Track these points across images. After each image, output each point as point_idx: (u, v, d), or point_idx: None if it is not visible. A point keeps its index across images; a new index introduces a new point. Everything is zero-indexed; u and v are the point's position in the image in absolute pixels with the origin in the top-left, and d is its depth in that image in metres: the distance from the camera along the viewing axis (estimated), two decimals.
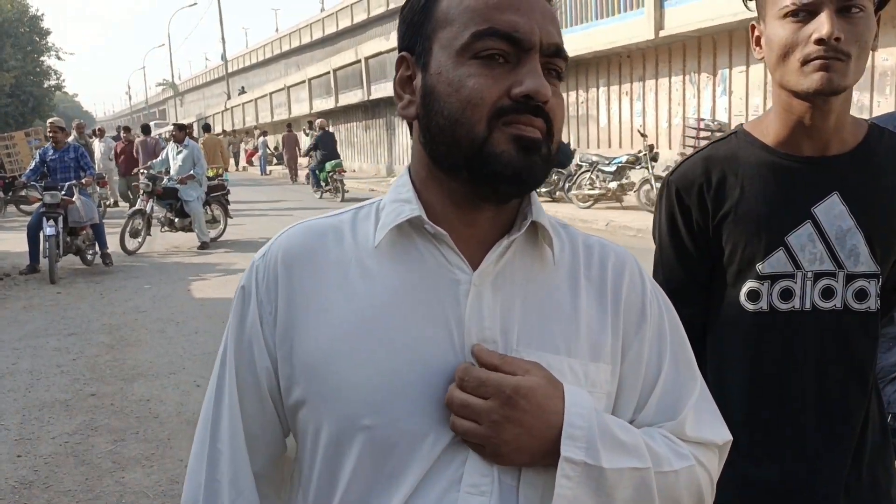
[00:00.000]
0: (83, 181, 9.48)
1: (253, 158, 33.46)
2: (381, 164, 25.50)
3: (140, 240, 11.13)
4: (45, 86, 49.58)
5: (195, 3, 56.77)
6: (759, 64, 12.33)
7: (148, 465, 4.00)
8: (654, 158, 12.59)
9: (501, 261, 0.93)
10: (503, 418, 0.84)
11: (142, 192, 11.62)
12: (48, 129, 9.79)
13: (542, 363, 0.89)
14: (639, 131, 13.32)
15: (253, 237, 12.48)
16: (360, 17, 46.19)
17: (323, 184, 19.18)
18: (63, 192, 9.15)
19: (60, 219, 9.02)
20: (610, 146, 15.28)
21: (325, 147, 19.19)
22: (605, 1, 14.27)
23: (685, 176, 1.41)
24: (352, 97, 26.25)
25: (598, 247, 1.01)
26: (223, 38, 46.07)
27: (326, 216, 1.01)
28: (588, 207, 13.31)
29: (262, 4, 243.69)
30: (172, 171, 11.47)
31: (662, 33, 12.76)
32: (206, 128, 23.96)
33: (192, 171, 11.32)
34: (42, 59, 48.62)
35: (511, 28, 0.85)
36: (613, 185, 13.05)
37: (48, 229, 8.88)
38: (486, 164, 0.86)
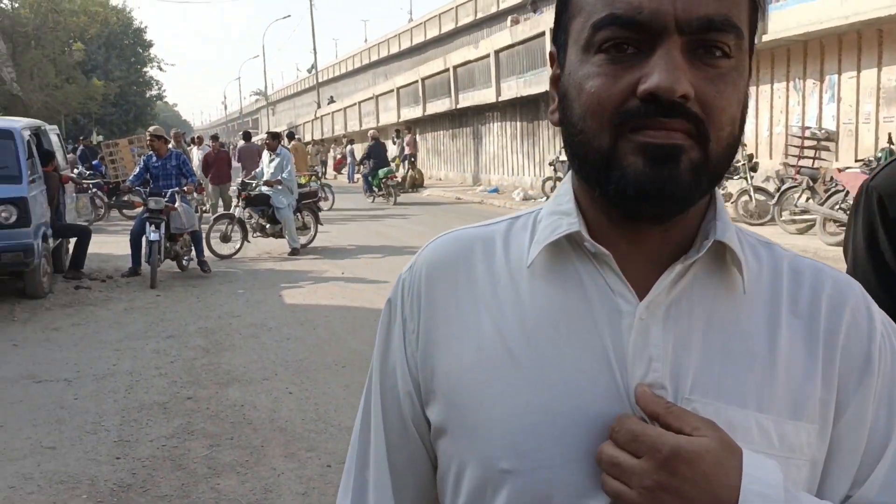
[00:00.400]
0: (185, 188, 9.67)
1: (341, 166, 34.02)
2: (468, 172, 25.48)
3: (236, 245, 11.37)
4: (147, 95, 51.87)
5: (289, 16, 58.36)
6: (871, 69, 11.69)
7: (242, 473, 3.99)
8: (754, 168, 12.09)
9: (675, 289, 0.77)
10: (657, 485, 0.68)
11: (235, 197, 11.86)
12: (147, 138, 10.08)
13: (722, 418, 0.72)
14: None
15: (342, 244, 12.61)
16: (448, 26, 46.51)
17: (375, 189, 20.95)
18: (166, 199, 9.35)
19: (162, 225, 9.21)
20: None
21: (377, 156, 21.09)
22: None
23: (892, 181, 1.20)
24: (439, 106, 26.34)
25: (811, 272, 0.82)
26: (314, 49, 47.17)
27: (480, 225, 0.89)
28: None
29: (353, 16, 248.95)
30: (266, 178, 11.72)
31: (765, 38, 12.24)
32: (290, 135, 24.48)
33: (280, 177, 11.51)
34: (145, 69, 50.85)
35: (632, 9, 0.69)
36: None
37: (152, 235, 9.07)
38: (612, 181, 0.72)
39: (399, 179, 25.12)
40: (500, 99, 21.33)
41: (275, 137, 12.42)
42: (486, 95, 22.27)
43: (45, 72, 31.85)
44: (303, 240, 12.10)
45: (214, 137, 19.26)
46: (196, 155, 18.56)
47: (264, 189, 12.13)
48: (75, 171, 17.84)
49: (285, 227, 11.59)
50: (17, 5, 33.25)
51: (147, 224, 9.20)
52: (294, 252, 11.54)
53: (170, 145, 15.40)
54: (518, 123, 21.60)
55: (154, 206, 9.26)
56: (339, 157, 34.92)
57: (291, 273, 10.08)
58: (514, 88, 20.45)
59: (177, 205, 9.48)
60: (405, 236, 13.48)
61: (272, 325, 7.28)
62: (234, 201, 12.62)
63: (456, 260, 0.85)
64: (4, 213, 7.75)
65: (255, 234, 11.84)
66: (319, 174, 32.87)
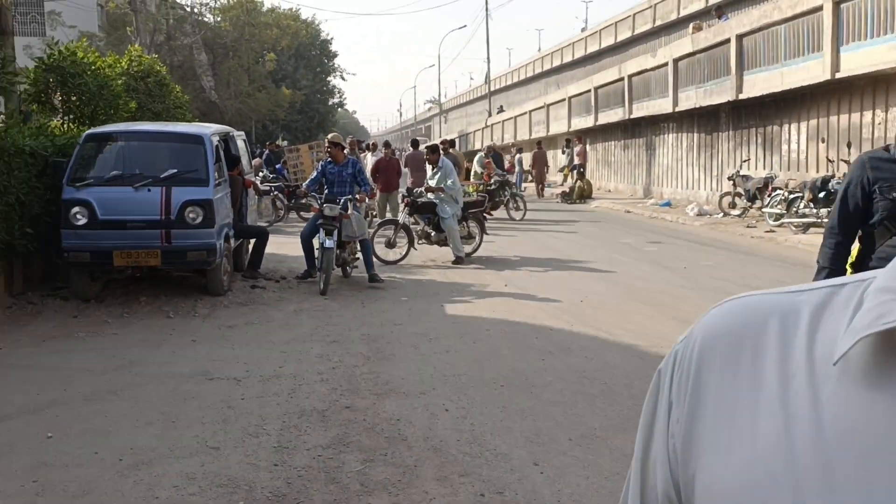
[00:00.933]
0: (358, 196, 9.80)
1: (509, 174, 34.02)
2: (639, 184, 24.64)
3: (402, 251, 11.54)
4: (330, 103, 54.53)
5: (464, 26, 59.37)
6: None
7: (394, 493, 3.89)
8: None
9: None
10: None
11: (401, 204, 12.07)
12: (326, 145, 10.36)
13: None
14: None
15: (507, 254, 12.46)
16: (625, 34, 45.49)
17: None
18: (339, 206, 9.42)
19: (335, 232, 9.24)
20: None
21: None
22: None
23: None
24: (611, 115, 25.67)
25: None
26: (488, 59, 47.57)
27: (785, 291, 0.66)
28: None
29: (527, 25, 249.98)
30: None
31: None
32: (451, 143, 24.85)
33: (444, 185, 11.55)
34: (329, 79, 53.49)
35: None
36: None
37: (327, 242, 9.05)
38: None
39: (567, 189, 24.76)
40: (677, 109, 20.42)
41: (434, 151, 12.50)
42: (661, 105, 21.42)
43: (240, 81, 34.23)
44: (467, 249, 12.08)
45: (387, 144, 19.78)
46: (370, 161, 19.14)
47: (430, 196, 12.25)
48: (260, 174, 18.98)
49: (449, 236, 11.62)
50: (219, 19, 36.01)
51: (321, 231, 9.29)
52: (458, 261, 11.54)
53: (345, 152, 16.07)
54: (695, 135, 20.59)
55: (328, 213, 9.38)
56: (507, 165, 34.96)
57: (455, 283, 10.05)
58: (693, 98, 19.50)
59: (349, 212, 9.63)
60: (572, 249, 13.14)
61: (432, 336, 7.23)
62: (401, 207, 12.83)
63: (741, 337, 0.64)
64: (192, 214, 8.23)
65: (420, 242, 11.96)
66: (510, 182, 33.20)
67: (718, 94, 18.12)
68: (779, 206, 14.76)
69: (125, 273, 8.77)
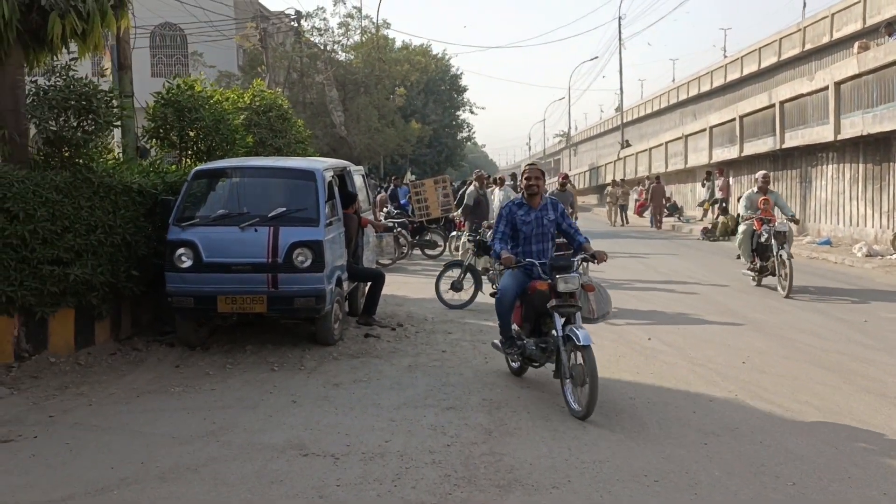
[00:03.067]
0: (585, 257, 6.59)
1: (643, 209, 32.28)
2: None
3: (468, 294, 10.50)
4: (458, 137, 54.45)
5: (595, 58, 58.08)
6: None
7: None
8: None
9: None
10: None
11: (469, 245, 11.14)
12: (522, 181, 6.78)
13: None
14: None
15: (640, 300, 11.10)
16: (770, 60, 42.79)
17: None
18: (576, 274, 6.27)
19: (574, 314, 6.20)
20: None
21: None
22: None
23: None
24: (760, 146, 23.64)
25: None
26: (621, 89, 46.06)
27: None
28: None
29: (660, 55, 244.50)
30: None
31: None
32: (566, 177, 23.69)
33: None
34: (458, 113, 53.47)
35: None
36: None
37: (579, 335, 5.89)
38: None
39: (709, 226, 22.91)
40: (839, 137, 18.35)
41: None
42: (820, 133, 19.37)
43: (370, 116, 34.44)
44: None
45: (513, 176, 18.88)
46: (498, 195, 18.20)
47: None
48: (384, 209, 18.51)
49: None
50: (351, 57, 36.56)
51: (556, 316, 6.08)
52: None
53: (471, 188, 15.22)
54: (860, 165, 18.41)
55: (566, 289, 6.04)
56: (641, 199, 33.20)
57: (591, 333, 8.85)
58: (860, 125, 17.42)
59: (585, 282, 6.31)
60: (719, 295, 11.63)
61: (564, 404, 6.11)
62: (468, 247, 11.78)
63: None
64: (300, 257, 7.53)
65: (495, 286, 10.75)
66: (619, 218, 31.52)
67: (891, 119, 16.02)
68: None
69: (231, 319, 8.18)
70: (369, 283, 9.30)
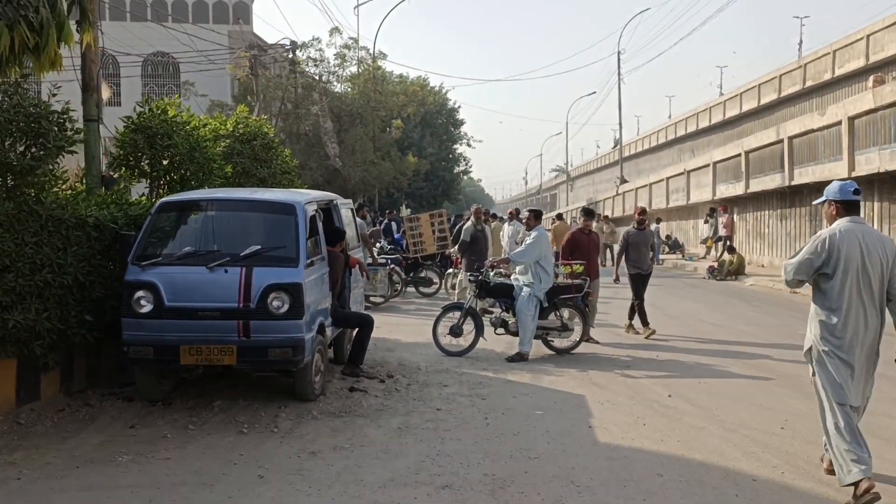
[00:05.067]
0: None
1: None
2: None
3: (467, 342, 9.59)
4: (455, 171, 53.83)
5: (594, 93, 57.82)
6: None
7: None
8: None
9: None
10: None
11: (469, 287, 10.27)
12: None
13: None
14: None
15: (650, 348, 10.17)
16: (769, 97, 42.38)
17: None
18: None
19: None
20: None
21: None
22: None
23: None
24: (767, 182, 22.89)
25: None
26: (620, 124, 45.54)
27: None
28: None
29: (657, 92, 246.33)
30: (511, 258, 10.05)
31: None
32: (559, 216, 22.65)
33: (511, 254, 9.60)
34: (455, 146, 52.94)
35: None
36: None
37: None
38: None
39: (715, 264, 22.06)
40: (854, 174, 17.58)
41: (538, 217, 10.51)
42: (832, 170, 18.60)
43: (365, 148, 33.72)
44: (564, 343, 9.83)
45: (517, 212, 18.06)
46: (507, 230, 17.30)
47: (503, 272, 10.32)
48: (378, 244, 17.60)
49: (519, 321, 9.51)
50: (347, 88, 35.96)
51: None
52: (516, 358, 9.32)
53: (469, 222, 14.36)
54: (875, 203, 17.62)
55: None
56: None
57: (601, 390, 7.93)
58: (876, 161, 16.66)
59: None
60: (736, 341, 10.72)
61: (582, 483, 5.16)
62: (465, 286, 10.93)
63: None
64: (276, 302, 6.61)
65: (497, 331, 9.82)
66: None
67: None
68: None
69: (198, 371, 7.22)
70: (356, 329, 8.37)
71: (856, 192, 5.09)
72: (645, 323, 11.29)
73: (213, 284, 6.59)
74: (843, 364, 4.92)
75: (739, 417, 6.78)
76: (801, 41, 74.13)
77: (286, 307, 6.61)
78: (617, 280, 11.92)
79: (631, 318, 11.57)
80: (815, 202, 6.09)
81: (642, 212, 12.18)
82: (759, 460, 5.62)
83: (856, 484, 4.62)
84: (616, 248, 21.66)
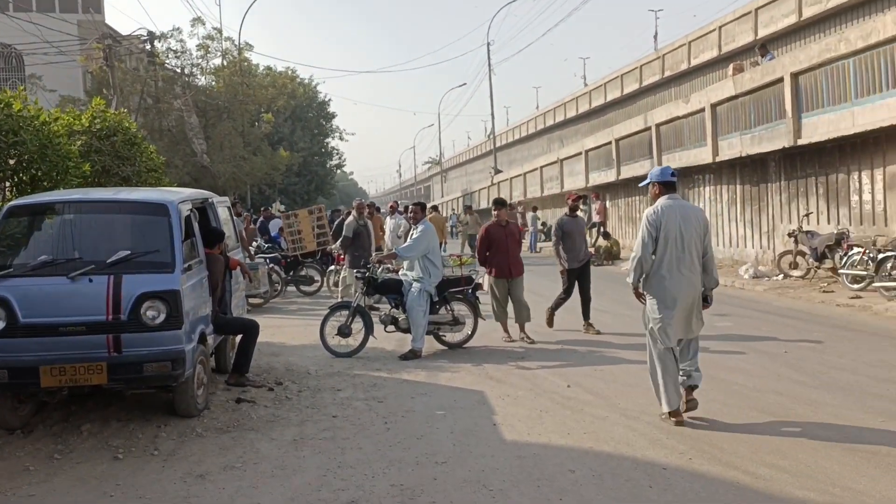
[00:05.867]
0: None
1: (521, 235, 31.90)
2: None
3: (358, 340, 9.26)
4: (328, 165, 52.86)
5: (464, 84, 58.32)
6: None
7: None
8: None
9: None
10: None
11: (356, 282, 9.98)
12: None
13: None
14: None
15: (545, 339, 10.14)
16: (632, 86, 44.04)
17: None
18: None
19: None
20: None
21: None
22: None
23: None
24: (637, 169, 23.67)
25: None
26: (492, 114, 46.09)
27: None
28: None
29: (523, 83, 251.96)
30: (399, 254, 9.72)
31: None
32: (434, 208, 22.50)
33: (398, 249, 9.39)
34: (327, 140, 51.98)
35: None
36: None
37: None
38: None
39: (592, 251, 22.60)
40: (719, 159, 18.39)
41: (423, 208, 10.23)
42: (697, 155, 19.41)
43: (234, 144, 32.39)
44: (456, 337, 9.66)
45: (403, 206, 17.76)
46: (389, 224, 16.91)
47: (390, 268, 10.02)
48: (254, 243, 16.84)
49: (410, 318, 9.23)
50: (212, 81, 34.40)
51: None
52: (409, 356, 9.05)
53: (350, 217, 13.92)
54: (737, 187, 18.52)
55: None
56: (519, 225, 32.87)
57: (501, 382, 7.77)
58: (738, 146, 17.47)
59: None
60: (621, 325, 10.87)
61: (495, 486, 4.94)
62: (355, 286, 10.54)
63: None
64: (151, 312, 6.00)
65: (388, 328, 9.50)
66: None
67: (770, 140, 16.09)
68: (860, 267, 12.57)
69: (62, 393, 6.48)
70: (240, 336, 7.81)
71: (672, 174, 6.27)
72: (550, 321, 10.68)
73: (77, 296, 5.90)
74: (677, 314, 6.04)
75: (639, 404, 6.77)
76: (656, 33, 77.56)
77: (162, 317, 6.02)
78: (564, 272, 10.56)
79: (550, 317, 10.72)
80: (640, 185, 7.02)
81: (577, 197, 11.10)
82: (666, 447, 5.58)
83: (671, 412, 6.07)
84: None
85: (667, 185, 6.19)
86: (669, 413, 6.08)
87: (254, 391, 7.50)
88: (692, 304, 6.11)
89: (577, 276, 10.51)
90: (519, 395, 7.26)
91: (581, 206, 9.96)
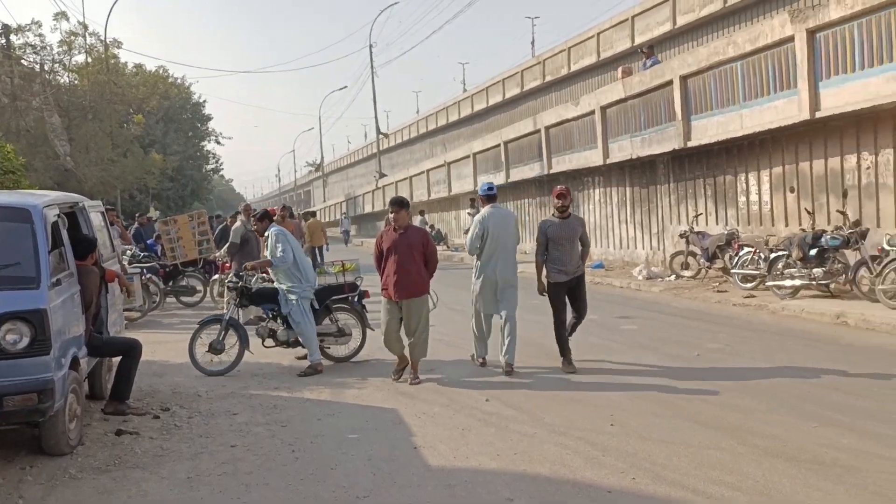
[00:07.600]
0: None
1: None
2: None
3: (230, 357, 8.50)
4: (204, 170, 50.58)
5: (345, 87, 57.45)
6: None
7: None
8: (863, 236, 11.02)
9: None
10: None
11: (227, 294, 9.21)
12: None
13: None
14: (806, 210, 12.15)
15: (438, 350, 9.66)
16: (513, 91, 44.52)
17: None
18: None
19: None
20: None
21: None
22: None
23: None
24: (527, 171, 23.70)
25: None
26: (376, 116, 45.48)
27: None
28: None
29: (404, 88, 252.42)
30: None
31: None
32: (312, 213, 21.49)
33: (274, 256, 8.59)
34: (202, 143, 49.73)
35: None
36: None
37: None
38: None
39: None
40: (609, 161, 18.56)
41: (262, 219, 9.20)
42: (588, 158, 19.55)
43: (102, 145, 30.30)
44: (343, 351, 9.04)
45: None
46: (272, 232, 15.93)
47: (264, 277, 9.23)
48: (128, 251, 15.51)
49: (299, 332, 8.53)
50: (76, 79, 32.07)
51: None
52: (310, 371, 8.37)
53: (238, 222, 13.01)
54: (627, 189, 18.76)
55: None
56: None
57: (413, 398, 7.22)
58: (628, 149, 17.68)
59: None
60: (537, 335, 10.53)
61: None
62: (225, 298, 9.64)
63: None
64: (12, 336, 5.09)
65: (266, 343, 8.78)
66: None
67: (659, 142, 16.33)
68: (751, 267, 12.84)
69: None
70: (120, 358, 6.89)
71: (490, 188, 8.42)
72: (564, 351, 8.42)
73: None
74: (490, 292, 8.34)
75: (565, 417, 6.39)
76: (533, 40, 79.32)
77: (26, 341, 5.12)
78: (543, 291, 8.50)
79: (562, 347, 8.46)
80: (470, 197, 7.87)
81: (561, 193, 8.37)
82: (605, 466, 5.19)
83: (482, 360, 8.59)
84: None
85: (488, 197, 8.38)
86: (479, 359, 8.57)
87: (136, 420, 6.61)
88: (504, 286, 8.24)
89: (565, 293, 8.40)
90: (436, 413, 6.73)
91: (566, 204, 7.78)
